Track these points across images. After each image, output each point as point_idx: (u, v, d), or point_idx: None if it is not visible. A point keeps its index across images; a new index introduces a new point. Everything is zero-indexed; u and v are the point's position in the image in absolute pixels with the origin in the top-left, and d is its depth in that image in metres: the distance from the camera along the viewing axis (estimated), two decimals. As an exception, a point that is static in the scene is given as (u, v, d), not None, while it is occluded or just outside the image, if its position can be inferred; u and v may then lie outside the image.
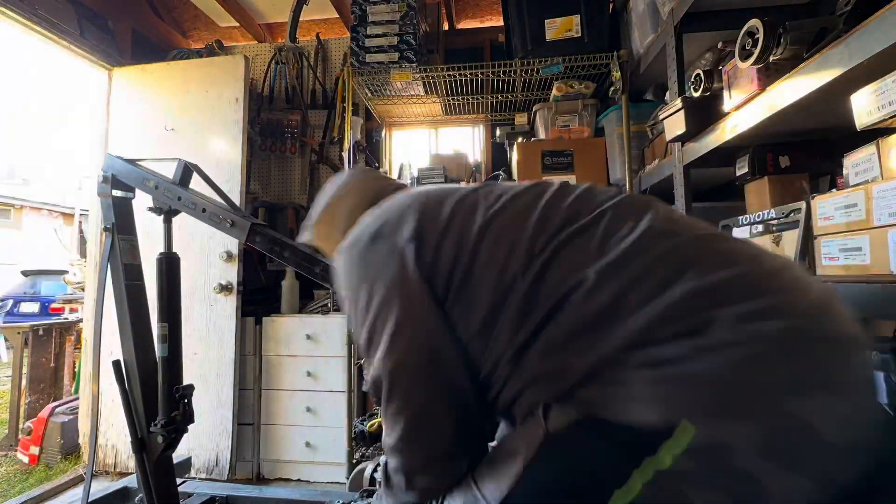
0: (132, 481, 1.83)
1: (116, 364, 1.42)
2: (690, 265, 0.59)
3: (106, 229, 1.44)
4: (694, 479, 0.52)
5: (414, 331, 0.68)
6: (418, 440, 0.70)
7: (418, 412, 0.69)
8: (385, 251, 0.72)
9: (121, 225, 1.45)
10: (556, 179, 2.39)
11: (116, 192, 1.47)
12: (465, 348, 0.69)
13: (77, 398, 2.99)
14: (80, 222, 11.02)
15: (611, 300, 0.59)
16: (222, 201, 1.40)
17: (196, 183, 1.44)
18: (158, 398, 1.41)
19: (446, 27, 3.16)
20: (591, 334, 0.60)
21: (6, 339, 4.74)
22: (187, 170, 1.41)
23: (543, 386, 0.63)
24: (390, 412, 0.71)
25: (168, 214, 1.44)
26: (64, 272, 7.12)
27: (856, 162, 0.95)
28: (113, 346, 1.51)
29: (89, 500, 1.52)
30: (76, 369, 3.37)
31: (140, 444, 1.41)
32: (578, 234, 0.66)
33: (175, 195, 1.38)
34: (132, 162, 1.48)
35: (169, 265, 1.45)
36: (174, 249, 1.49)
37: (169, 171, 1.43)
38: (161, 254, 1.45)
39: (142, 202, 1.47)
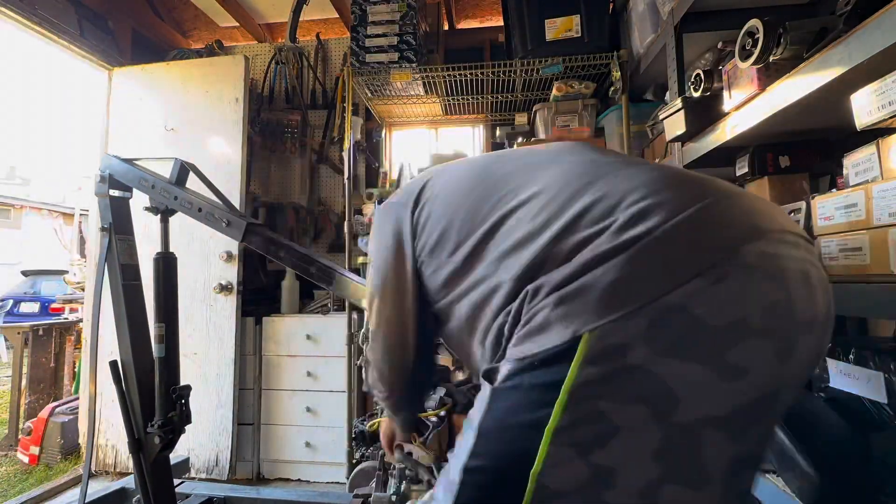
0: (130, 482, 1.83)
1: (113, 364, 1.41)
2: (591, 183, 0.63)
3: (103, 229, 1.44)
4: (602, 390, 0.53)
5: (387, 269, 0.85)
6: (390, 359, 0.91)
7: (389, 334, 0.88)
8: (385, 212, 0.90)
9: (118, 225, 1.45)
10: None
11: (114, 192, 1.47)
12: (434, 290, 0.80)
13: (77, 398, 2.99)
14: (80, 222, 11.03)
15: (526, 229, 0.64)
16: (219, 201, 1.39)
17: (196, 184, 1.44)
18: (155, 399, 1.40)
19: (446, 27, 3.16)
20: (508, 262, 0.65)
21: (6, 339, 4.75)
22: (184, 169, 1.40)
23: (492, 338, 0.67)
24: (371, 329, 0.92)
25: (165, 214, 1.44)
26: (64, 272, 7.14)
27: (856, 162, 0.95)
28: (113, 347, 1.51)
29: (87, 500, 1.52)
30: (76, 369, 3.37)
31: (137, 445, 1.41)
32: (519, 168, 0.75)
33: (172, 195, 1.37)
34: (129, 161, 1.48)
35: (166, 265, 1.45)
36: (174, 249, 1.48)
37: (167, 170, 1.43)
38: (158, 254, 1.45)
39: (140, 202, 1.46)
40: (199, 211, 1.34)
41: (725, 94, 1.29)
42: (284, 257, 1.28)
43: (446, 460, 0.81)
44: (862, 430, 1.00)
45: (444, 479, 0.67)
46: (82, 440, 2.77)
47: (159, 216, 1.44)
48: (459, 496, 0.61)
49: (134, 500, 1.48)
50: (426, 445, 1.15)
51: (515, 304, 0.61)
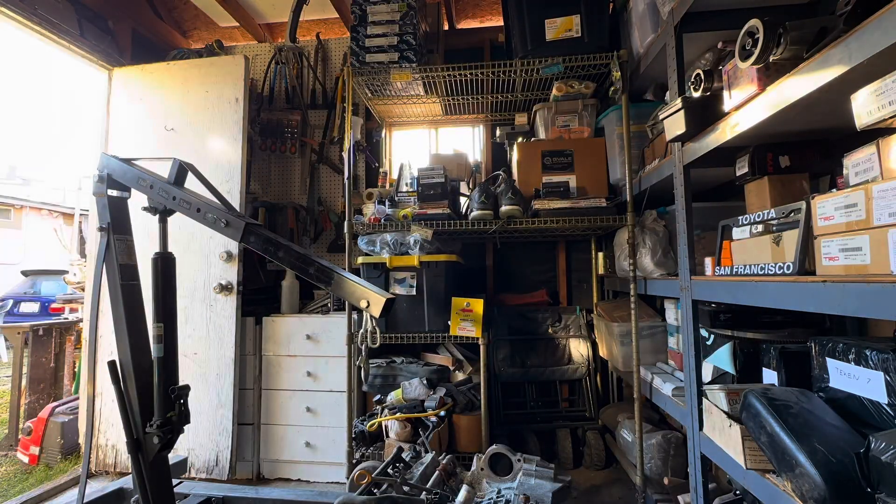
0: (128, 482, 1.83)
1: (112, 364, 1.41)
2: None
3: (101, 229, 1.44)
4: None
5: None
6: None
7: None
8: None
9: (116, 224, 1.45)
10: (556, 179, 2.35)
11: (112, 192, 1.46)
12: None
13: (77, 398, 2.99)
14: (80, 222, 11.04)
15: None
16: (218, 201, 1.39)
17: (195, 184, 1.43)
18: (154, 398, 1.40)
19: (446, 27, 3.16)
20: None
21: (6, 339, 4.74)
22: (182, 169, 1.40)
23: None
24: None
25: (163, 214, 1.44)
26: (64, 272, 7.13)
27: (856, 162, 0.95)
28: (113, 346, 1.51)
29: (85, 500, 1.52)
30: (76, 369, 3.37)
31: (136, 445, 1.40)
32: None
33: (170, 195, 1.37)
34: (127, 161, 1.48)
35: (164, 265, 1.45)
36: (174, 249, 1.48)
37: (166, 170, 1.43)
38: (156, 253, 1.45)
39: (138, 202, 1.46)
40: (197, 211, 1.34)
41: (725, 94, 1.29)
42: (283, 257, 1.28)
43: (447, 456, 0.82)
44: (862, 430, 1.00)
45: None
46: (82, 440, 2.76)
47: (158, 216, 1.44)
48: None
49: (132, 500, 1.48)
50: (427, 444, 1.15)
51: None
